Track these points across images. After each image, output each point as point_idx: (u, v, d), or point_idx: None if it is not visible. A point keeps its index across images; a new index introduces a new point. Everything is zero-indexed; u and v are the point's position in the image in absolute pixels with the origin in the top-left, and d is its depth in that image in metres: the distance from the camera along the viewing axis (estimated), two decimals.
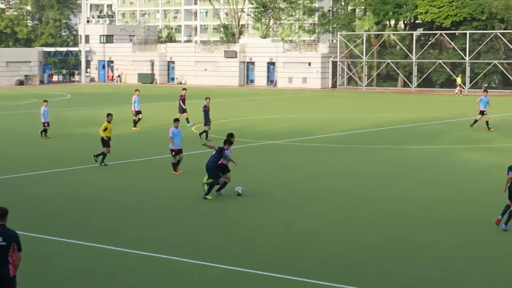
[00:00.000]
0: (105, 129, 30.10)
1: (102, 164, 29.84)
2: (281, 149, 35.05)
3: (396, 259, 17.06)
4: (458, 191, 24.96)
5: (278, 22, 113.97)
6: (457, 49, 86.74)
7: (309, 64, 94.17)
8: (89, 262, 16.92)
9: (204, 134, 37.87)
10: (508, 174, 19.50)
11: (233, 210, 22.20)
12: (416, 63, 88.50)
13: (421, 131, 43.42)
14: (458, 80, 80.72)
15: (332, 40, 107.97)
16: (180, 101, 44.35)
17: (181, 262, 16.71)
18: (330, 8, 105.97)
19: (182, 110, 44.03)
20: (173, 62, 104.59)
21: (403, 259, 17.01)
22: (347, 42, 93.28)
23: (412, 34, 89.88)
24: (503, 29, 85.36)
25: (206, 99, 39.27)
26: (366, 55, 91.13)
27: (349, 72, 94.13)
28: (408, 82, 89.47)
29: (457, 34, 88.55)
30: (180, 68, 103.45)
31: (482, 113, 42.39)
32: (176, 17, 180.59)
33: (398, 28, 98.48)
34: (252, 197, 23.66)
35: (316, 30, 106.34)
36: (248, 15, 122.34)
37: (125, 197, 23.91)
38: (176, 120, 28.70)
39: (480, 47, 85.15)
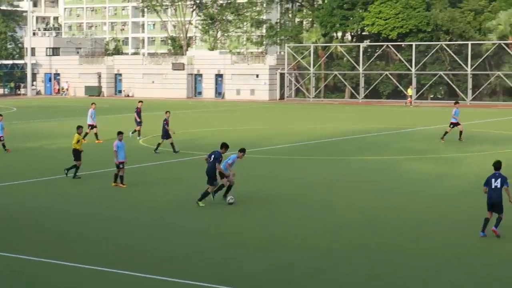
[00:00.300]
0: (77, 141, 29.76)
1: (77, 176, 29.45)
2: None
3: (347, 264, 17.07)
4: (404, 199, 25.05)
5: (225, 34, 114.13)
6: (403, 60, 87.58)
7: (257, 76, 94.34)
8: (30, 275, 16.61)
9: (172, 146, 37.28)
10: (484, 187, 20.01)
11: (180, 222, 21.99)
12: (363, 75, 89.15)
13: (368, 142, 43.65)
14: (409, 91, 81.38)
15: (279, 52, 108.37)
16: (136, 114, 44.12)
17: (129, 276, 16.50)
18: (278, 20, 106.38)
19: (138, 123, 43.86)
20: (120, 75, 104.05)
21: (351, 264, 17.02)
22: (294, 54, 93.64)
23: (359, 46, 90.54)
24: (448, 41, 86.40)
25: (166, 112, 39.00)
26: (313, 67, 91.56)
27: (296, 83, 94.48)
28: (355, 94, 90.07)
29: (403, 45, 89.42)
30: (128, 81, 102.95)
31: (454, 125, 42.41)
32: (123, 29, 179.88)
33: (345, 40, 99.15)
34: (201, 210, 23.50)
35: (264, 42, 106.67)
36: (195, 27, 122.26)
37: (72, 210, 23.57)
38: (120, 133, 28.33)
39: (426, 58, 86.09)
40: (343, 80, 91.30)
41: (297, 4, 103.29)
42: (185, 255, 18.25)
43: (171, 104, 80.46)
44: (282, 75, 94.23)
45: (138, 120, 43.98)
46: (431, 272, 16.68)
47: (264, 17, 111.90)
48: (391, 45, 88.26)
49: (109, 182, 27.86)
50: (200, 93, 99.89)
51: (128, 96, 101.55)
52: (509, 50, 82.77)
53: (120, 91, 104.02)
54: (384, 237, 19.87)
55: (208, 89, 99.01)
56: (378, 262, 17.50)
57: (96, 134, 43.07)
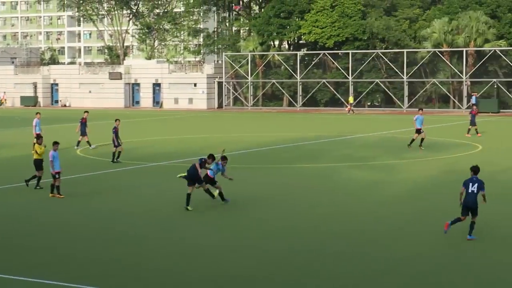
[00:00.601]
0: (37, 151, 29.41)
1: (38, 187, 29.07)
2: (166, 171, 34.73)
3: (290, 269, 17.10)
4: (343, 206, 25.20)
5: (163, 43, 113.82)
6: (340, 68, 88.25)
7: (195, 85, 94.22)
8: None
9: (117, 155, 37.03)
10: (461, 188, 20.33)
11: (123, 230, 21.81)
12: (300, 83, 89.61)
13: (306, 149, 43.85)
14: (351, 99, 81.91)
15: (217, 61, 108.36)
16: (80, 124, 43.75)
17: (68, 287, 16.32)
18: (215, 29, 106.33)
19: (83, 133, 43.39)
20: (56, 85, 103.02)
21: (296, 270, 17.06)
22: (232, 63, 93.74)
23: (296, 54, 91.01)
24: (384, 49, 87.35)
25: (116, 121, 38.56)
26: (251, 75, 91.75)
27: (234, 92, 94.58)
28: (293, 102, 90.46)
29: (340, 54, 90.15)
30: (64, 91, 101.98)
31: (418, 131, 42.77)
32: (59, 39, 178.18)
33: (283, 48, 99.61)
34: (142, 219, 23.36)
35: (201, 51, 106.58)
36: (132, 36, 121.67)
37: (9, 222, 23.24)
38: (56, 143, 28.03)
39: (363, 66, 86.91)
40: (281, 88, 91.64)
41: (234, 13, 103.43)
42: (127, 265, 18.08)
43: (109, 114, 79.84)
44: (220, 84, 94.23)
45: (85, 130, 43.43)
46: (372, 279, 16.80)
47: (201, 26, 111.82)
48: (328, 53, 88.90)
49: (46, 192, 27.53)
50: (137, 102, 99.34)
51: (65, 106, 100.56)
52: (443, 58, 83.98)
53: (56, 101, 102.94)
54: (324, 243, 19.95)
55: (146, 99, 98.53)
56: (318, 268, 17.56)
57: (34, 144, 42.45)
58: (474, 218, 20.10)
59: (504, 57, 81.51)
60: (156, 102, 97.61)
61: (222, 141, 48.16)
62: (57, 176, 27.27)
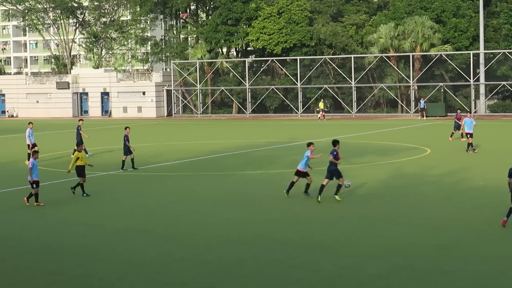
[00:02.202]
0: (77, 159, 29.28)
1: (85, 194, 29.06)
2: (114, 180, 34.48)
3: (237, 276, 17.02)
4: (292, 212, 25.19)
5: (110, 52, 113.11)
6: (288, 74, 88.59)
7: (144, 93, 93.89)
8: None
9: (131, 162, 37.29)
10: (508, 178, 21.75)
11: (72, 241, 21.57)
12: (249, 90, 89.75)
13: (256, 156, 43.83)
14: (321, 105, 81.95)
15: (165, 69, 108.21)
16: (78, 132, 44.16)
17: None
18: (162, 37, 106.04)
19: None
20: (3, 95, 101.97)
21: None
22: (180, 71, 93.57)
23: (245, 61, 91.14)
24: (332, 55, 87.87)
25: (126, 128, 38.62)
26: (200, 83, 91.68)
27: (184, 100, 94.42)
28: (242, 109, 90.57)
29: (288, 60, 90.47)
30: (11, 101, 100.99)
31: (468, 135, 42.65)
32: (4, 48, 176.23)
33: (231, 55, 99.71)
34: (86, 227, 23.14)
35: (149, 59, 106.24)
36: (79, 45, 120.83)
37: None
38: (36, 152, 28.02)
39: (311, 72, 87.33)
40: (230, 95, 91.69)
41: (181, 20, 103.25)
42: (75, 276, 17.86)
43: (57, 124, 79.19)
44: (168, 92, 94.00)
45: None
46: (320, 284, 16.79)
47: (148, 34, 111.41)
48: (276, 59, 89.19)
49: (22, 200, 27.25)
50: (86, 111, 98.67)
51: (12, 116, 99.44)
52: (390, 63, 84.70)
53: (3, 112, 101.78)
54: (273, 251, 19.89)
55: (94, 108, 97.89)
56: (267, 276, 17.50)
57: (29, 154, 42.07)
58: None
59: (450, 61, 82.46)
60: (105, 111, 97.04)
61: (172, 149, 47.96)
62: (34, 185, 27.17)
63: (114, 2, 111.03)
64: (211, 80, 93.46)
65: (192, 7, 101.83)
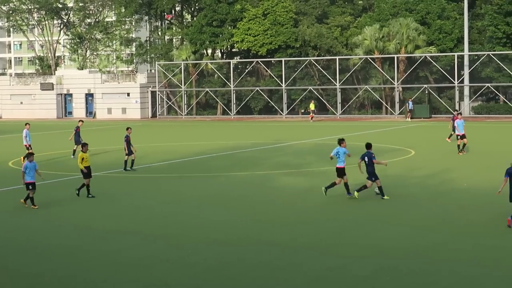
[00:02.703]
0: (82, 160, 29.09)
1: (90, 196, 28.92)
2: (99, 182, 34.39)
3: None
4: (277, 214, 25.20)
5: (95, 53, 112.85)
6: (273, 76, 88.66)
7: (128, 94, 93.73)
8: None
9: (130, 163, 37.39)
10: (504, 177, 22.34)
11: (56, 243, 21.53)
12: (234, 91, 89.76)
13: (241, 157, 43.84)
14: (312, 106, 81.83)
15: (150, 70, 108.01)
16: (75, 133, 44.05)
17: None
18: (147, 38, 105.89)
19: (77, 142, 43.31)
20: None
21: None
22: (165, 72, 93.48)
23: (230, 62, 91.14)
24: (317, 56, 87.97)
25: (127, 129, 38.59)
26: (184, 84, 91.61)
27: (168, 101, 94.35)
28: (227, 110, 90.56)
29: (273, 61, 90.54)
30: None
31: (460, 136, 42.56)
32: None
33: (216, 56, 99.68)
34: (70, 229, 23.09)
35: (134, 60, 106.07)
36: (64, 46, 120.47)
37: None
38: (31, 154, 27.89)
39: (296, 73, 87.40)
40: (214, 97, 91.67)
41: (166, 22, 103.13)
42: (61, 277, 17.82)
43: (41, 125, 78.92)
44: (153, 93, 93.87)
45: (79, 139, 43.30)
46: (305, 286, 16.81)
47: (133, 35, 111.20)
48: (261, 61, 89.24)
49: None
50: (70, 113, 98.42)
51: None
52: (375, 64, 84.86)
53: None
54: (259, 252, 19.91)
55: (78, 109, 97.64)
56: (253, 277, 17.52)
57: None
58: None
59: (434, 63, 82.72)
60: (89, 112, 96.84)
61: (157, 150, 47.90)
62: (30, 187, 27.03)
63: (99, 3, 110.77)
64: (195, 81, 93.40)
65: (177, 8, 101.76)
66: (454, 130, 49.00)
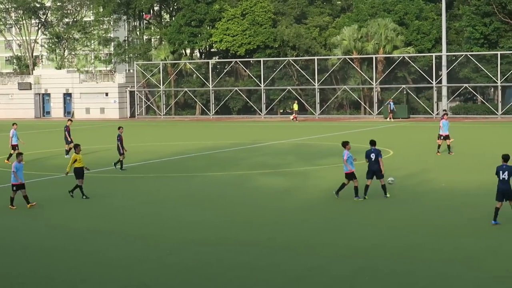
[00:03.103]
0: (75, 161, 28.92)
1: (84, 197, 28.72)
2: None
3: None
4: (255, 214, 25.20)
5: (73, 53, 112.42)
6: (252, 76, 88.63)
7: (106, 94, 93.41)
8: None
9: (119, 163, 37.56)
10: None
11: (37, 243, 21.40)
12: (213, 91, 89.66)
13: (219, 157, 43.80)
14: (295, 106, 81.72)
15: (128, 70, 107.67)
16: (66, 132, 44.51)
17: None
18: (126, 38, 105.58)
19: (68, 141, 43.77)
20: None
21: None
22: (143, 72, 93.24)
23: (208, 62, 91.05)
24: (295, 56, 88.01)
25: (119, 128, 38.72)
26: (163, 84, 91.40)
27: (147, 101, 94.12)
28: (206, 110, 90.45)
29: (251, 61, 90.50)
30: None
31: (445, 137, 42.49)
32: None
33: (194, 56, 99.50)
34: (48, 229, 22.98)
35: (112, 60, 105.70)
36: (42, 46, 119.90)
37: None
38: (20, 154, 27.75)
39: (274, 74, 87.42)
40: (193, 96, 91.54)
41: (145, 21, 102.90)
42: (39, 277, 17.73)
43: (19, 125, 78.42)
44: (132, 93, 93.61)
45: (69, 138, 44.15)
46: (284, 286, 16.80)
47: (111, 35, 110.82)
48: (240, 61, 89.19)
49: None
50: (48, 112, 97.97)
51: None
52: (354, 65, 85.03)
53: None
54: (237, 252, 19.89)
55: (56, 109, 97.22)
56: (231, 278, 17.50)
57: (11, 155, 42.00)
58: (511, 202, 22.34)
59: (412, 64, 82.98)
60: (67, 112, 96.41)
61: (136, 150, 47.77)
62: (15, 188, 26.93)
63: (77, 3, 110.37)
64: (174, 81, 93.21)
65: (156, 8, 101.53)
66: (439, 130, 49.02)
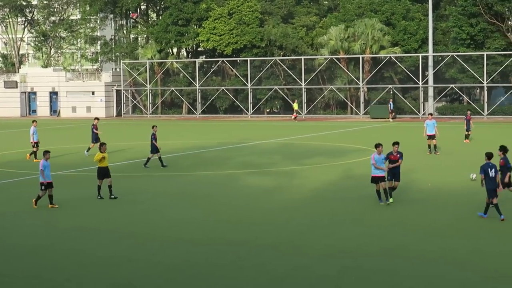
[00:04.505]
0: (100, 160, 28.36)
1: (112, 197, 28.25)
2: (63, 181, 34.14)
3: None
4: (241, 213, 25.22)
5: (59, 51, 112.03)
6: (239, 75, 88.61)
7: (93, 93, 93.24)
8: None
9: (159, 161, 38.04)
10: (480, 174, 23.15)
11: (21, 242, 21.33)
12: (199, 90, 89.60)
13: (205, 157, 43.77)
14: (295, 106, 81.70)
15: (115, 69, 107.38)
16: (93, 130, 44.65)
17: None
18: (112, 37, 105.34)
19: (95, 140, 43.96)
20: None
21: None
22: (130, 71, 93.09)
23: (195, 61, 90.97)
24: (282, 56, 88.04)
25: (153, 127, 38.96)
26: (150, 83, 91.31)
27: (133, 100, 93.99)
28: (192, 109, 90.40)
29: (238, 61, 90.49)
30: None
31: (431, 137, 42.66)
32: None
33: (181, 56, 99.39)
34: (35, 228, 22.91)
35: (99, 59, 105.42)
36: (28, 44, 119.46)
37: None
38: (47, 152, 27.22)
39: (261, 73, 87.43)
40: (180, 96, 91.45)
41: (132, 20, 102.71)
42: (25, 276, 17.67)
43: (5, 124, 78.27)
44: (118, 92, 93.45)
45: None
46: (270, 285, 16.81)
47: (98, 33, 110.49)
48: (227, 60, 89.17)
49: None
50: (34, 111, 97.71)
51: None
52: (340, 65, 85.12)
53: None
54: (223, 252, 19.89)
55: (42, 107, 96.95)
56: (217, 277, 17.49)
57: (34, 152, 42.15)
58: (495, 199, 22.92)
59: (399, 64, 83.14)
60: (54, 110, 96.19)
61: (123, 149, 47.69)
62: (43, 187, 26.52)
63: (64, 1, 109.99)
64: (161, 80, 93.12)
65: (143, 7, 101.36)
66: (468, 130, 49.19)
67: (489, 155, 23.16)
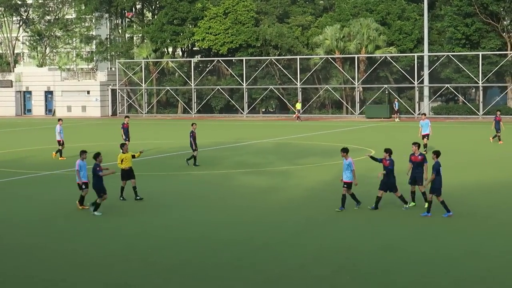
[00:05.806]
0: (122, 161, 28.03)
1: (138, 198, 27.78)
2: (58, 180, 34.15)
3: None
4: (237, 213, 25.21)
5: (54, 51, 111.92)
6: (234, 75, 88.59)
7: (88, 92, 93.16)
8: None
9: (192, 159, 38.40)
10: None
11: (18, 241, 21.33)
12: (195, 90, 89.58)
13: (201, 156, 43.66)
14: (298, 106, 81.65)
15: (110, 68, 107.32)
16: (123, 130, 45.46)
17: None
18: (108, 36, 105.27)
19: (127, 139, 44.70)
20: None
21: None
22: (125, 70, 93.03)
23: (190, 61, 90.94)
24: (277, 55, 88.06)
25: (192, 125, 39.59)
26: (145, 83, 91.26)
27: (129, 99, 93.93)
28: (188, 109, 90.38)
29: (234, 60, 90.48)
30: None
31: (424, 136, 42.73)
32: None
33: (176, 55, 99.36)
34: (28, 227, 22.89)
35: (94, 58, 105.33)
36: (23, 43, 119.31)
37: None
38: (84, 152, 26.77)
39: (257, 73, 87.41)
40: (175, 95, 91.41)
41: (127, 19, 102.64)
42: (18, 276, 17.65)
43: (0, 123, 78.11)
44: (113, 91, 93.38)
45: (127, 136, 44.99)
46: (265, 285, 16.81)
47: (93, 33, 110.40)
48: (222, 60, 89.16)
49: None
50: (29, 110, 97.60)
51: None
52: (336, 64, 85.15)
53: None
54: (218, 251, 19.89)
55: (38, 107, 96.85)
56: (212, 277, 17.49)
57: (60, 151, 42.31)
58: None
59: (394, 64, 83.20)
60: (49, 110, 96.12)
61: (117, 149, 47.60)
62: (83, 186, 26.01)
63: (59, 0, 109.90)
64: (156, 79, 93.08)
65: (138, 6, 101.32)
66: (498, 130, 49.10)
67: (437, 153, 24.17)
